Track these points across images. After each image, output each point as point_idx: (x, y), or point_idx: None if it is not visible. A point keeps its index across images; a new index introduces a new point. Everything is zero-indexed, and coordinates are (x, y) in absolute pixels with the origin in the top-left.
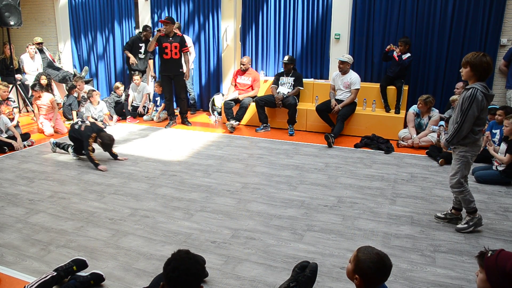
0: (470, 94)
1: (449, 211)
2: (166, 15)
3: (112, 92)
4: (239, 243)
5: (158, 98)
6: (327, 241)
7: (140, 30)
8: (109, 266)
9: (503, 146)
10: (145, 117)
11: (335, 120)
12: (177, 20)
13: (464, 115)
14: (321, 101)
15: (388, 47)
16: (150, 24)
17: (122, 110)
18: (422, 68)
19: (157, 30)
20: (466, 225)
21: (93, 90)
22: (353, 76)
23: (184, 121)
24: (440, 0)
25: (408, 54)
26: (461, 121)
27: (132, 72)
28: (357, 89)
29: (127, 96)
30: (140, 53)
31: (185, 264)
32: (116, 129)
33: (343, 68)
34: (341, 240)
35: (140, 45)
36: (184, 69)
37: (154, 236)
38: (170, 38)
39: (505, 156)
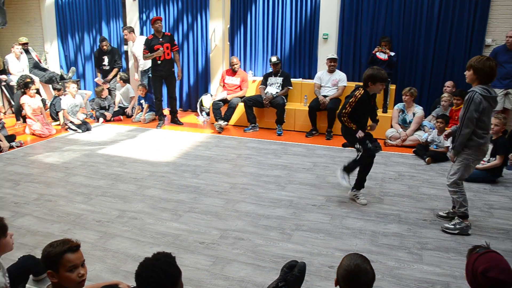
0: (468, 97)
1: (451, 210)
2: (154, 15)
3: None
4: (228, 243)
5: (142, 101)
6: (315, 240)
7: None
8: (96, 269)
9: (489, 146)
10: (134, 119)
11: (326, 118)
12: (165, 20)
13: (463, 119)
14: (310, 100)
15: (375, 49)
16: (138, 24)
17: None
18: (409, 68)
19: (160, 51)
20: (452, 226)
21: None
22: (341, 74)
23: (176, 121)
24: (426, 1)
25: (393, 53)
26: (460, 125)
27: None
28: (345, 86)
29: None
30: (104, 65)
31: (148, 273)
32: (103, 130)
33: (335, 65)
34: (329, 239)
35: (103, 57)
36: (176, 68)
37: (142, 238)
38: (160, 39)
39: (495, 158)
